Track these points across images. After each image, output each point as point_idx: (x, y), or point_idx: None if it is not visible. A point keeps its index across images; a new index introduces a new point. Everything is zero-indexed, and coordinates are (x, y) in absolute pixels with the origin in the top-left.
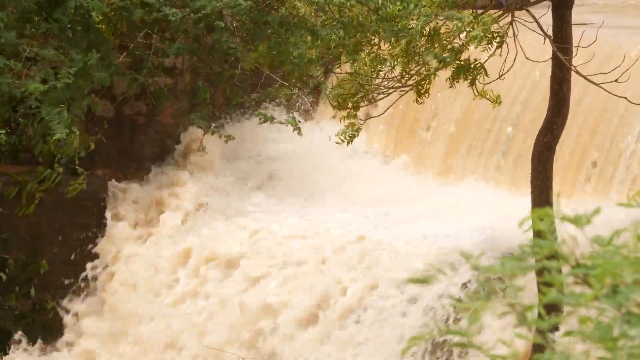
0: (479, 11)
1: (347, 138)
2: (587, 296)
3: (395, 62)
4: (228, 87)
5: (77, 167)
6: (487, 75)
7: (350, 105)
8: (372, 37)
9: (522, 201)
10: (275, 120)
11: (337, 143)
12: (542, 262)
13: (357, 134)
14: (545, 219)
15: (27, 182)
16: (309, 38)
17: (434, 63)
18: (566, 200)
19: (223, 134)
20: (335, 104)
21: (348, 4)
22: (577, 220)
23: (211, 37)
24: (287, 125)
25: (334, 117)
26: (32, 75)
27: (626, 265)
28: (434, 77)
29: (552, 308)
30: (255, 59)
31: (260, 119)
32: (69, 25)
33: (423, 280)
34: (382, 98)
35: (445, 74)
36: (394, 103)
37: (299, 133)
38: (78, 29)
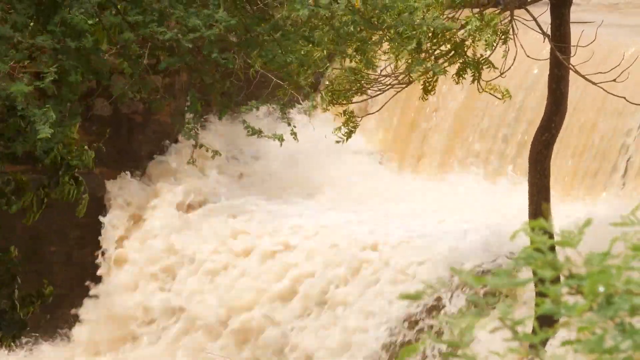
0: (477, 10)
1: (344, 135)
2: (580, 307)
3: (400, 60)
4: (219, 97)
5: (76, 174)
6: (495, 68)
7: (344, 101)
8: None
9: (521, 200)
10: (262, 134)
11: (336, 142)
12: (536, 275)
13: (354, 131)
14: (539, 229)
15: (29, 186)
16: (303, 43)
17: (432, 62)
18: (564, 199)
19: (211, 149)
20: (328, 99)
21: (339, 12)
22: (568, 243)
23: (203, 49)
24: (274, 140)
25: (324, 109)
26: (21, 77)
27: (618, 275)
28: (442, 74)
29: (548, 319)
30: (255, 63)
31: (248, 132)
32: (62, 36)
33: (414, 297)
34: (378, 94)
35: (450, 70)
36: (389, 100)
37: (295, 138)
38: (69, 39)
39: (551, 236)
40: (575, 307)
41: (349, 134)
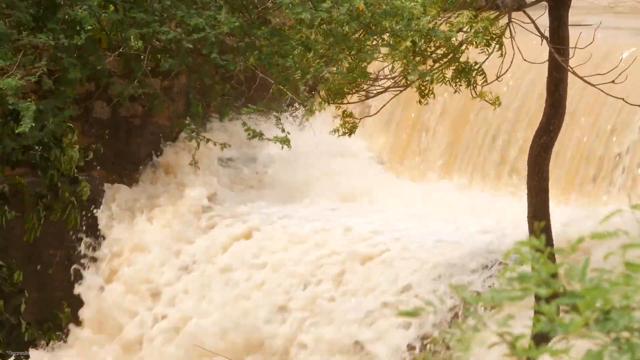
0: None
1: (346, 131)
2: (576, 324)
3: (396, 61)
4: (219, 99)
5: (75, 174)
6: (486, 80)
7: (340, 99)
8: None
9: (520, 202)
10: (264, 137)
11: (338, 135)
12: (531, 290)
13: (354, 130)
14: (534, 245)
15: (28, 190)
16: (301, 49)
17: (429, 66)
18: (563, 202)
19: (218, 142)
20: (325, 97)
21: (340, 16)
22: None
23: (203, 50)
24: (275, 143)
25: (321, 108)
26: (14, 73)
27: (615, 291)
28: (439, 81)
29: (544, 336)
30: (250, 60)
31: (249, 134)
32: (62, 34)
33: (412, 313)
34: (374, 96)
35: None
36: (388, 102)
37: (288, 146)
38: (69, 37)
39: (549, 242)
40: (571, 324)
41: (349, 133)
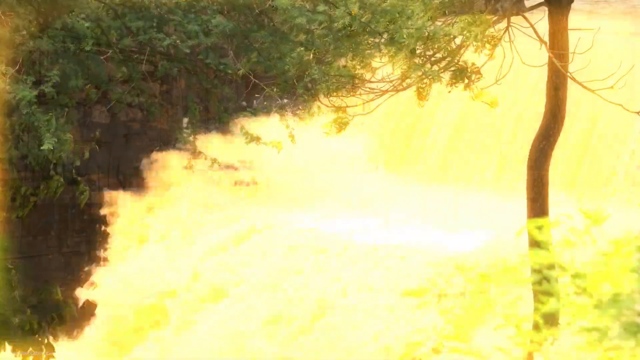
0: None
1: (335, 128)
2: (585, 305)
3: (396, 66)
4: (216, 103)
5: (74, 175)
6: (482, 77)
7: (337, 94)
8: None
9: (519, 206)
10: (260, 142)
11: (326, 133)
12: (540, 272)
13: (345, 127)
14: (542, 229)
15: (21, 186)
16: (300, 48)
17: (428, 67)
18: (562, 205)
19: (209, 157)
20: (324, 92)
21: (338, 16)
22: (596, 219)
23: (199, 55)
24: (271, 147)
25: (318, 110)
26: (25, 79)
27: (623, 275)
28: (437, 81)
29: (551, 316)
30: (245, 65)
31: (246, 139)
32: (62, 40)
33: (417, 293)
34: (373, 99)
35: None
36: (384, 101)
37: (293, 141)
38: (70, 45)
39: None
40: (581, 306)
41: (339, 128)
